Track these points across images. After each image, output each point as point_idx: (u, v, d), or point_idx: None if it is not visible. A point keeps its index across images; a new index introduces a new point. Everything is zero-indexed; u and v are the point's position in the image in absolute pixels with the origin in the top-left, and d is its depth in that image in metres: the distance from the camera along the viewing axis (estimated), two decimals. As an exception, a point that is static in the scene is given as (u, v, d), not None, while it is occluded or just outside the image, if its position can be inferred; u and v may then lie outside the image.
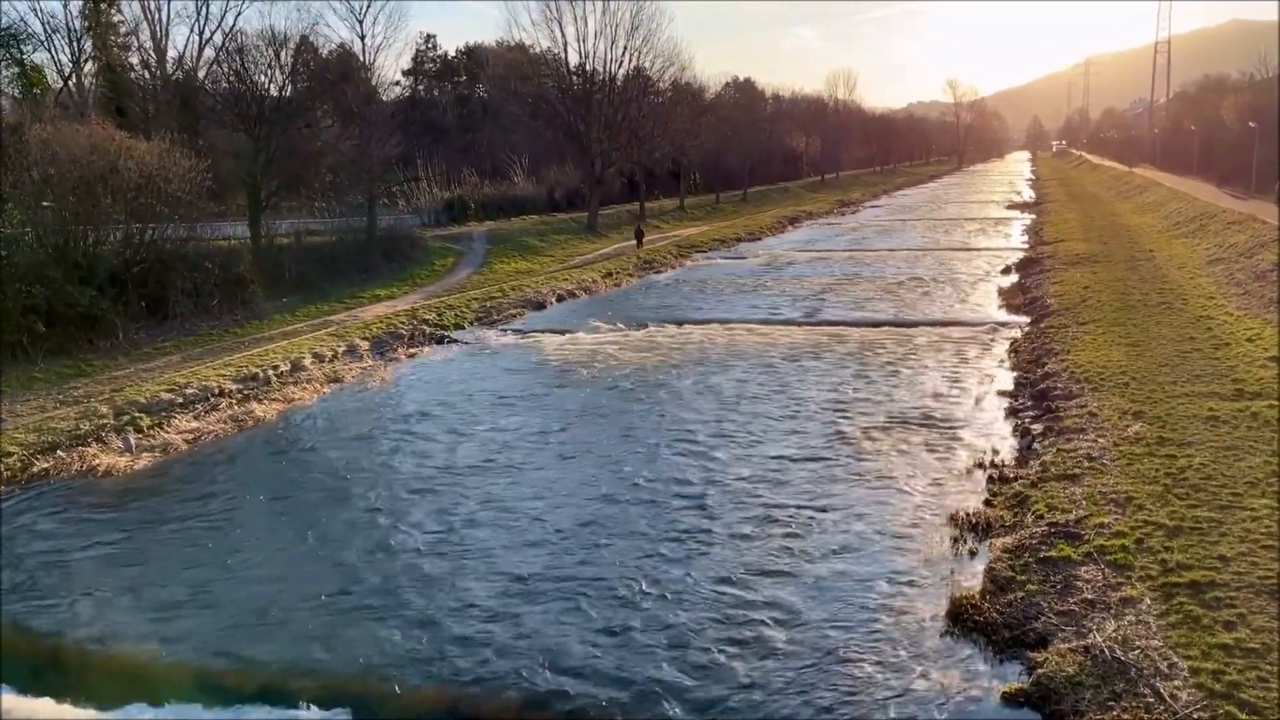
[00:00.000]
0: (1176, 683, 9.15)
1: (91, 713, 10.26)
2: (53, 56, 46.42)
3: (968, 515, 14.08)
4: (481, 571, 13.07)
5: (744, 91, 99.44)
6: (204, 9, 45.45)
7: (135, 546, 14.54)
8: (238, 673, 10.83)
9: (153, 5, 46.15)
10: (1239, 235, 35.91)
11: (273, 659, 11.07)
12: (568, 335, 30.21)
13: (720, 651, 10.72)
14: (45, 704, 10.41)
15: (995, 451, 17.15)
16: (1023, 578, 11.70)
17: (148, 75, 47.81)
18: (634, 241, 52.06)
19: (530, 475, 17.03)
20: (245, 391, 23.14)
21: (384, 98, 57.09)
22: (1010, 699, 9.62)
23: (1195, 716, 8.66)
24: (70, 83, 46.78)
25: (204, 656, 11.17)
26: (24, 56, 45.84)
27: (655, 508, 15.14)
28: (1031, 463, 15.99)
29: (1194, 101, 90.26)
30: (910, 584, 12.22)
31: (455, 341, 29.98)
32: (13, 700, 10.47)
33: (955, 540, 13.45)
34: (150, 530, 15.19)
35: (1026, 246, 48.41)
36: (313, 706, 10.13)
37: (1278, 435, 15.52)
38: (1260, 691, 8.90)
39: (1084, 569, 11.63)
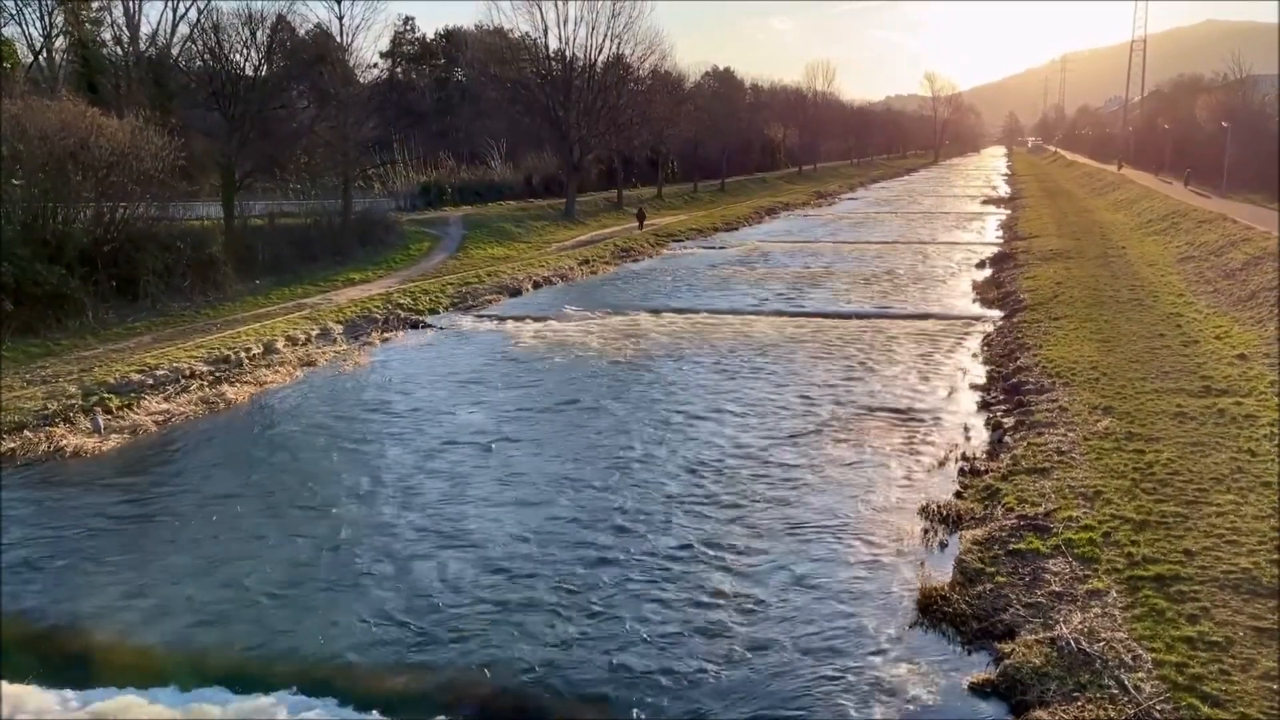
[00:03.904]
0: (1140, 674, 9.28)
1: (63, 694, 10.13)
2: (23, 30, 45.64)
3: (938, 507, 14.20)
4: (452, 554, 13.03)
5: (723, 81, 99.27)
6: (179, -15, 44.87)
7: (103, 528, 14.37)
8: (205, 657, 10.73)
9: (126, -20, 45.47)
10: (1209, 234, 36.34)
11: (241, 644, 10.99)
12: (544, 322, 30.14)
13: (686, 633, 10.80)
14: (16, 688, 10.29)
15: (967, 444, 17.30)
16: (992, 570, 11.83)
17: (120, 51, 47.10)
18: (615, 228, 52.70)
19: (501, 462, 17.00)
20: (217, 373, 22.91)
21: (361, 80, 56.59)
22: (977, 689, 9.73)
23: (1158, 708, 8.78)
24: (41, 58, 46.01)
25: (171, 641, 11.06)
26: (-6, 30, 45.00)
27: (626, 495, 15.15)
28: (1002, 456, 16.14)
29: (1168, 100, 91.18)
30: (880, 575, 12.30)
31: (430, 327, 29.83)
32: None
33: (926, 531, 13.56)
34: (118, 512, 15.01)
35: (1001, 241, 48.79)
36: (283, 691, 10.05)
37: (1242, 432, 15.76)
38: (1222, 684, 9.04)
39: (1052, 562, 11.77)
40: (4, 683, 10.31)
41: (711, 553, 12.99)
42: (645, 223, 55.18)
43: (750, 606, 11.50)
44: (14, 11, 44.71)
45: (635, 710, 9.60)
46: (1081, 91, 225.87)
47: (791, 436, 17.99)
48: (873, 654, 10.44)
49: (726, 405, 20.19)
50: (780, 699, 9.70)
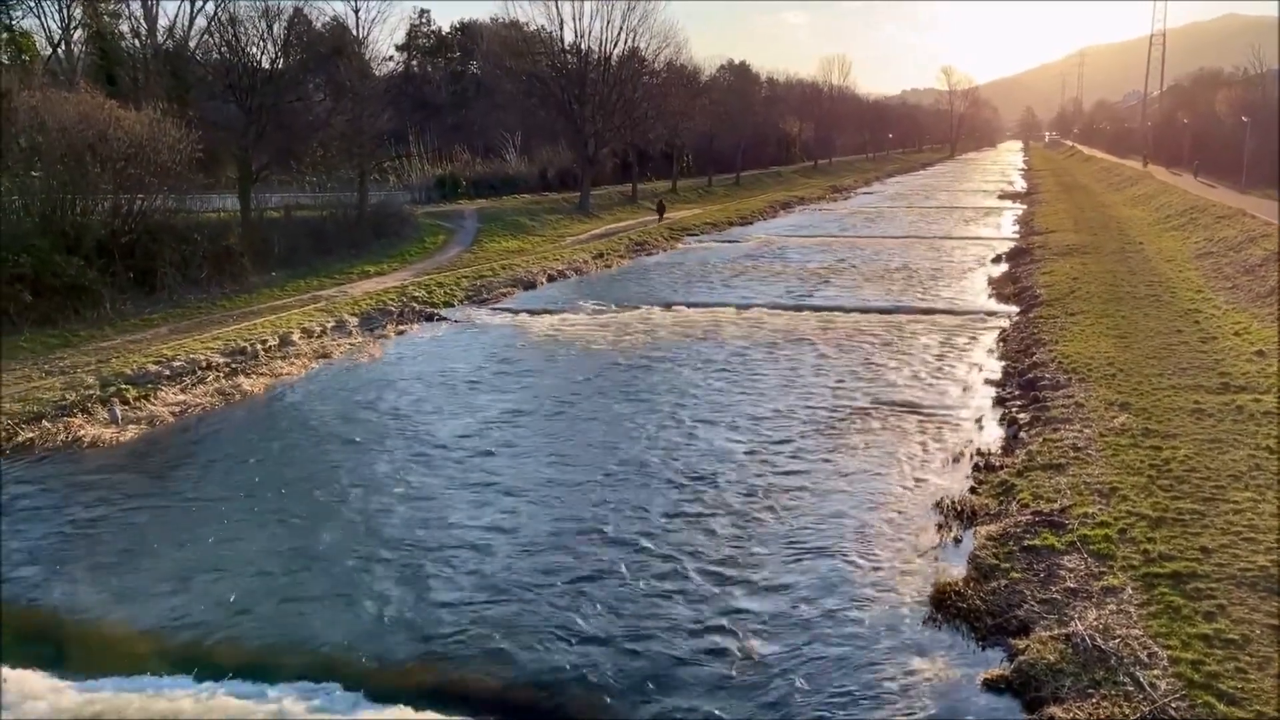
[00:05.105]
0: (1156, 672, 9.23)
1: (76, 684, 10.20)
2: (42, 23, 46.00)
3: (953, 502, 14.15)
4: (460, 546, 13.08)
5: (738, 75, 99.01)
6: (196, -22, 45.03)
7: (120, 519, 14.49)
8: (222, 646, 10.82)
9: (144, -27, 45.69)
10: (1229, 229, 36.06)
11: (257, 633, 11.08)
12: (558, 315, 30.17)
13: (697, 623, 10.82)
14: (28, 675, 10.36)
15: (982, 439, 17.23)
16: (1006, 565, 11.78)
17: (138, 44, 47.34)
18: (629, 222, 53.11)
19: (516, 453, 17.04)
20: (233, 365, 23.04)
21: (377, 72, 56.70)
22: (991, 685, 9.70)
23: (1173, 705, 8.74)
24: (60, 50, 46.30)
25: (188, 630, 11.16)
26: (13, 22, 45.28)
27: (640, 489, 15.18)
28: (1018, 451, 16.07)
29: (1187, 94, 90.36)
30: (895, 569, 12.28)
31: (444, 319, 29.91)
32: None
33: (940, 527, 13.52)
34: (135, 503, 15.12)
35: (1017, 236, 48.52)
36: (297, 681, 10.11)
37: (1260, 429, 15.64)
38: (1238, 682, 8.99)
39: (1067, 558, 11.72)
40: (13, 670, 10.41)
41: (720, 546, 12.99)
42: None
43: (761, 599, 11.50)
44: (33, 4, 45.02)
45: (649, 701, 9.64)
46: (1099, 86, 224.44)
47: (804, 431, 17.95)
48: (886, 648, 10.42)
49: (740, 401, 20.17)
50: (790, 693, 9.70)
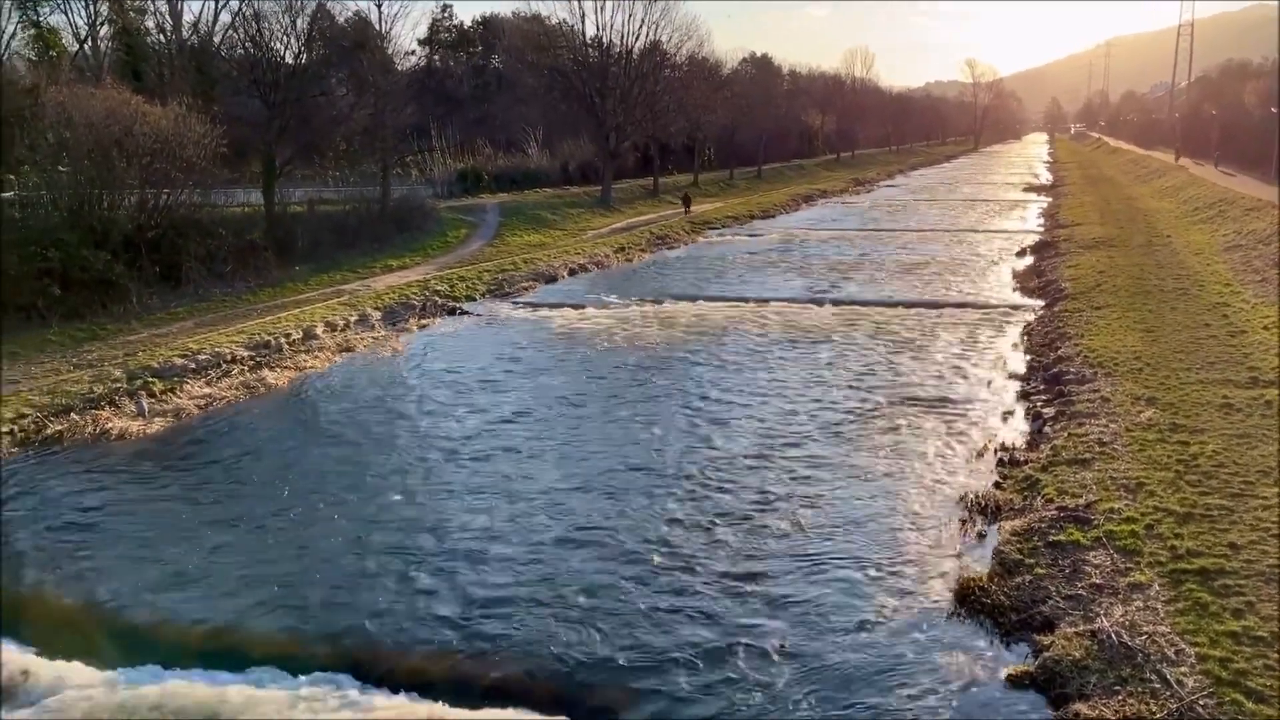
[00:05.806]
0: (1183, 669, 9.15)
1: (98, 673, 10.32)
2: (69, 19, 46.30)
3: (977, 497, 14.06)
4: (480, 542, 13.14)
5: (760, 68, 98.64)
6: (221, -26, 45.21)
7: (147, 510, 14.63)
8: (244, 638, 10.91)
9: (169, -31, 45.97)
10: (1258, 222, 35.61)
11: (278, 624, 11.16)
12: (579, 309, 30.18)
13: (730, 619, 10.82)
14: (50, 665, 10.49)
15: (1006, 434, 17.12)
16: (1031, 561, 11.70)
17: (163, 39, 47.65)
18: (651, 215, 53.67)
19: (538, 447, 17.07)
20: (258, 358, 23.21)
21: (399, 67, 56.78)
22: (1015, 681, 9.64)
23: (1201, 703, 8.66)
24: (86, 46, 46.67)
25: (211, 621, 11.26)
26: (40, 18, 45.70)
27: (665, 482, 15.18)
28: (1042, 446, 15.95)
29: (1215, 86, 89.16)
30: (918, 564, 12.23)
31: (467, 313, 29.99)
32: (21, 660, 10.56)
33: (964, 522, 13.44)
34: (162, 494, 15.28)
35: (1042, 229, 48.12)
36: (318, 671, 10.19)
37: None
38: (1267, 679, 8.90)
39: (1093, 554, 11.62)
40: (45, 660, 10.55)
41: (742, 537, 12.98)
42: (689, 208, 56.44)
43: (784, 590, 11.48)
44: (60, 1, 45.40)
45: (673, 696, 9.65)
46: (1126, 78, 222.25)
47: (827, 426, 17.89)
48: (908, 643, 10.38)
49: (763, 396, 20.13)
50: (812, 686, 9.68)
